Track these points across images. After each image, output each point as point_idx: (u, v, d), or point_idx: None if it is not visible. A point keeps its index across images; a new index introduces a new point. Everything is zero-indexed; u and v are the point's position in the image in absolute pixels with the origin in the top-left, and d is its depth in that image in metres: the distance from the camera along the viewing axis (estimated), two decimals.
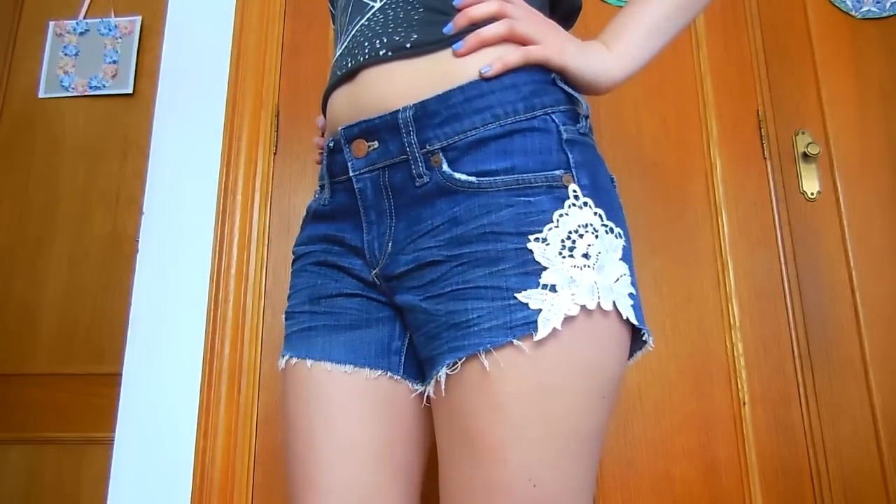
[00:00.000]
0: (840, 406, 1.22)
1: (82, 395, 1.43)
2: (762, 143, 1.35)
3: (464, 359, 0.56)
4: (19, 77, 1.64)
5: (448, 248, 0.59)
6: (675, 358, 1.24)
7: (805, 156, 1.33)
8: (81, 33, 1.62)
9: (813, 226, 1.31)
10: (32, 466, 1.42)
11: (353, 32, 0.69)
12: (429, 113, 0.61)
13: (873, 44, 1.40)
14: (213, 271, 1.24)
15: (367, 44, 0.66)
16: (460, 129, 0.60)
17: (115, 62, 1.60)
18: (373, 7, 0.67)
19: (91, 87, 1.60)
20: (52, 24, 1.63)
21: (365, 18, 0.68)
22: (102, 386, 1.39)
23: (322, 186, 0.72)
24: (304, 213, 0.77)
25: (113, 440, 1.18)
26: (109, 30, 1.62)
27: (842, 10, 1.42)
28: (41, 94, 1.61)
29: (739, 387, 1.22)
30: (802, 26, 1.41)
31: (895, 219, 1.31)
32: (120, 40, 1.61)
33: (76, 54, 1.61)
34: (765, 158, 1.34)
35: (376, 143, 0.63)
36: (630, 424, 1.20)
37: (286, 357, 0.71)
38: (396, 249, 0.64)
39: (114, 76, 1.60)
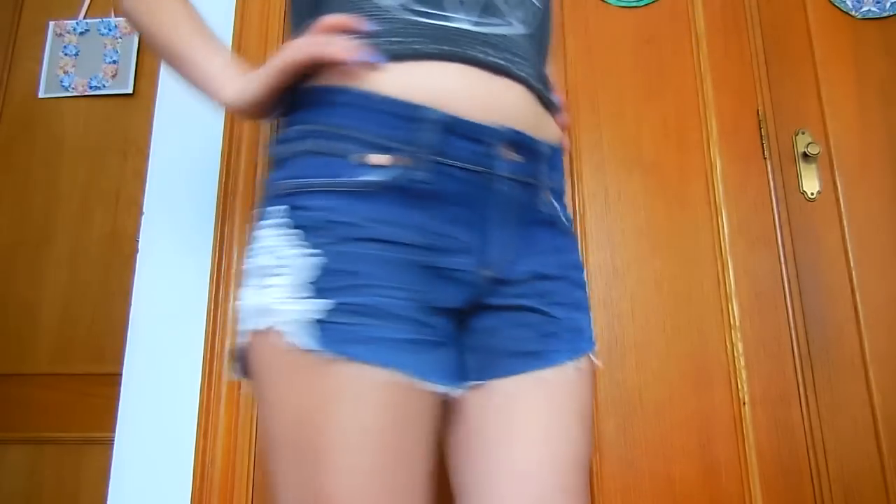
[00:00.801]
0: (840, 406, 1.22)
1: (82, 395, 1.43)
2: (762, 143, 1.35)
3: (580, 357, 0.71)
4: (19, 77, 1.64)
5: (558, 269, 0.71)
6: (675, 358, 1.24)
7: (805, 156, 1.33)
8: (81, 33, 1.62)
9: (813, 226, 1.31)
10: (32, 466, 1.42)
11: (497, 30, 0.69)
12: (557, 156, 0.74)
13: (873, 44, 1.40)
14: (213, 271, 1.24)
15: (521, 63, 0.69)
16: (560, 178, 0.75)
17: (115, 62, 1.60)
18: (513, 24, 0.71)
19: (91, 87, 1.60)
20: (52, 24, 1.63)
21: (508, 30, 0.70)
22: (102, 386, 1.38)
23: (398, 153, 0.62)
24: (344, 178, 0.61)
25: (113, 440, 1.18)
26: (109, 30, 1.62)
27: (842, 10, 1.42)
28: (41, 94, 1.61)
29: (739, 387, 1.22)
30: (802, 26, 1.41)
31: (895, 219, 1.31)
32: (120, 40, 1.61)
33: (76, 54, 1.61)
34: (765, 158, 1.34)
35: (521, 159, 0.68)
36: (630, 424, 1.20)
37: (410, 375, 0.58)
38: (514, 258, 0.69)
39: (114, 76, 1.60)
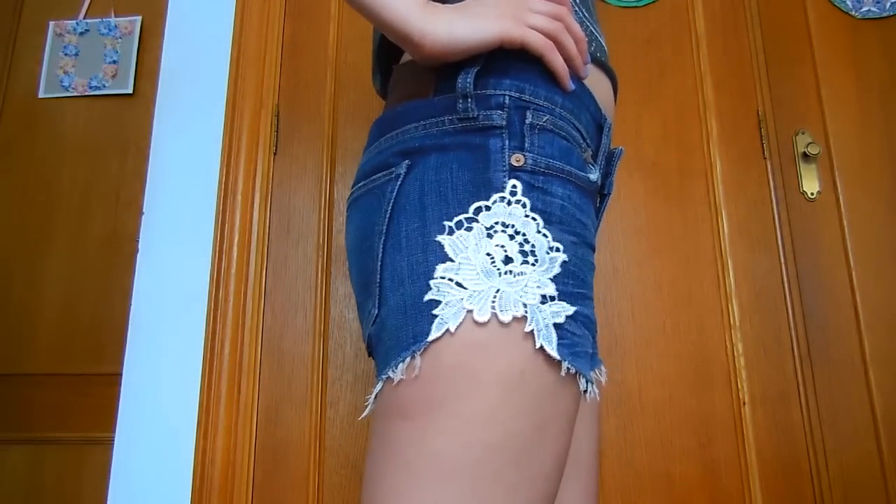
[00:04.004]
0: (840, 406, 1.22)
1: (82, 395, 1.43)
2: (762, 143, 1.35)
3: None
4: (19, 77, 1.64)
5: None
6: (675, 358, 1.24)
7: (805, 156, 1.33)
8: (81, 33, 1.62)
9: (813, 226, 1.31)
10: (32, 466, 1.42)
11: (603, 38, 0.69)
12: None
13: (873, 44, 1.40)
14: (213, 271, 1.24)
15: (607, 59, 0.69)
16: None
17: (115, 62, 1.60)
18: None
19: (91, 87, 1.60)
20: (52, 24, 1.63)
21: (602, 38, 0.70)
22: (102, 386, 1.38)
23: (592, 157, 0.59)
24: (564, 161, 0.55)
25: (113, 440, 1.18)
26: (109, 30, 1.62)
27: (842, 10, 1.42)
28: (41, 94, 1.61)
29: (739, 387, 1.22)
30: (802, 26, 1.41)
31: (895, 219, 1.31)
32: (120, 40, 1.61)
33: (76, 54, 1.61)
34: (765, 158, 1.34)
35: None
36: (630, 424, 1.20)
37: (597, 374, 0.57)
38: None
39: (114, 76, 1.60)
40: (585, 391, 0.53)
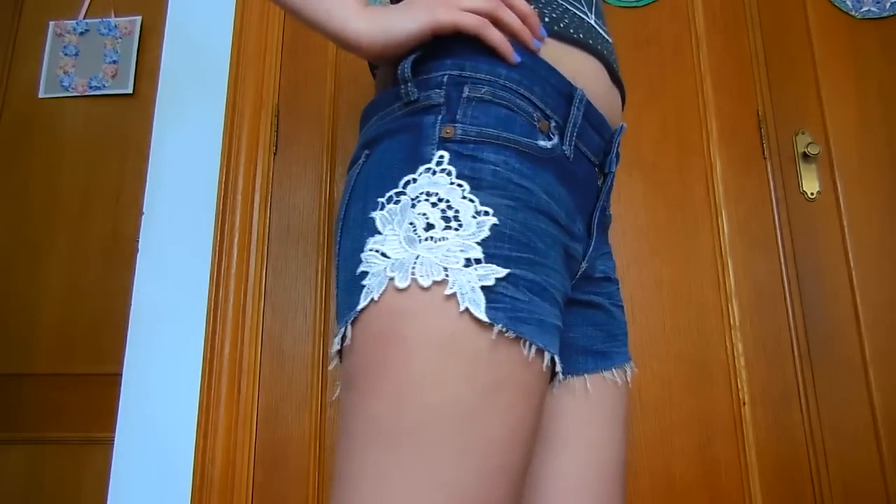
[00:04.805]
0: (840, 406, 1.22)
1: (82, 395, 1.43)
2: (762, 143, 1.35)
3: (630, 362, 0.73)
4: (19, 77, 1.64)
5: (614, 273, 0.73)
6: (675, 358, 1.24)
7: (805, 156, 1.33)
8: (81, 33, 1.62)
9: (813, 226, 1.31)
10: (32, 466, 1.42)
11: (608, 37, 0.70)
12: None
13: (873, 44, 1.40)
14: (213, 271, 1.24)
15: (616, 66, 0.70)
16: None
17: (115, 62, 1.60)
18: (609, 34, 0.72)
19: (91, 87, 1.60)
20: (52, 24, 1.63)
21: (610, 38, 0.71)
22: (102, 386, 1.38)
23: (555, 128, 0.60)
24: (501, 129, 0.56)
25: (113, 440, 1.18)
26: (109, 30, 1.62)
27: (842, 10, 1.42)
28: (41, 94, 1.61)
29: (739, 387, 1.22)
30: (802, 26, 1.41)
31: (895, 219, 1.31)
32: (120, 40, 1.61)
33: (76, 54, 1.61)
34: (765, 158, 1.34)
35: (615, 162, 0.68)
36: (630, 425, 1.20)
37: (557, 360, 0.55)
38: (595, 256, 0.69)
39: (114, 76, 1.60)
40: (554, 367, 0.54)
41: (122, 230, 1.52)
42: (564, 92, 0.60)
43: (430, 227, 0.51)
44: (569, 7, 0.66)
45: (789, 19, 1.42)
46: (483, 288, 0.49)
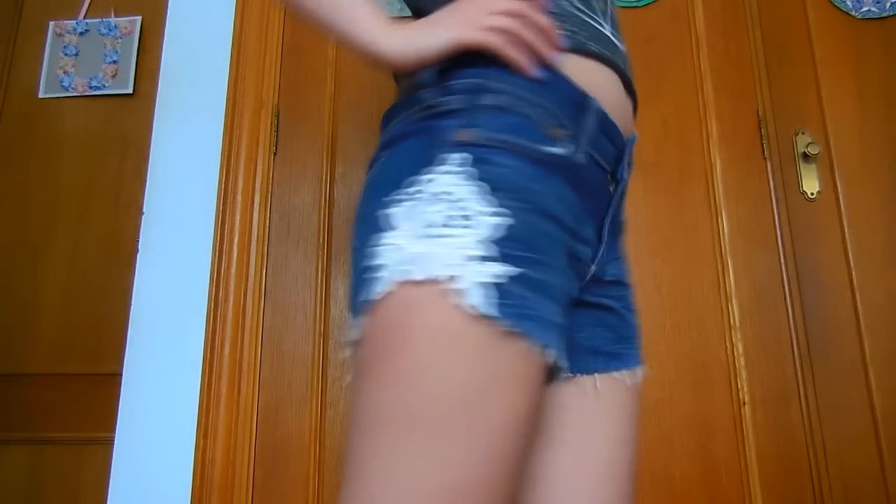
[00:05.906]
0: (840, 406, 1.22)
1: (82, 395, 1.43)
2: (762, 143, 1.35)
3: (642, 364, 0.75)
4: (19, 77, 1.64)
5: (627, 277, 0.75)
6: (675, 358, 1.24)
7: (805, 156, 1.33)
8: (81, 33, 1.62)
9: (813, 226, 1.31)
10: (33, 466, 1.42)
11: (623, 47, 0.73)
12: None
13: (873, 44, 1.40)
14: (213, 271, 1.24)
15: (630, 75, 0.72)
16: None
17: (115, 62, 1.60)
18: (624, 44, 0.74)
19: (91, 87, 1.60)
20: (52, 24, 1.63)
21: (625, 49, 0.73)
22: (102, 386, 1.38)
23: (569, 136, 0.62)
24: (537, 145, 0.60)
25: (113, 440, 1.18)
26: (109, 30, 1.62)
27: (842, 10, 1.42)
28: (41, 94, 1.61)
29: (739, 387, 1.22)
30: (802, 26, 1.41)
31: (895, 219, 1.31)
32: (120, 40, 1.61)
33: (76, 54, 1.61)
34: (765, 158, 1.34)
35: (628, 170, 0.71)
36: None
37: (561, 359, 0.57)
38: (606, 260, 0.71)
39: (114, 76, 1.60)
40: (557, 365, 0.56)
41: (122, 230, 1.52)
42: (580, 102, 0.64)
43: (444, 224, 0.54)
44: (586, 20, 0.69)
45: (789, 19, 1.42)
46: (492, 285, 0.52)
